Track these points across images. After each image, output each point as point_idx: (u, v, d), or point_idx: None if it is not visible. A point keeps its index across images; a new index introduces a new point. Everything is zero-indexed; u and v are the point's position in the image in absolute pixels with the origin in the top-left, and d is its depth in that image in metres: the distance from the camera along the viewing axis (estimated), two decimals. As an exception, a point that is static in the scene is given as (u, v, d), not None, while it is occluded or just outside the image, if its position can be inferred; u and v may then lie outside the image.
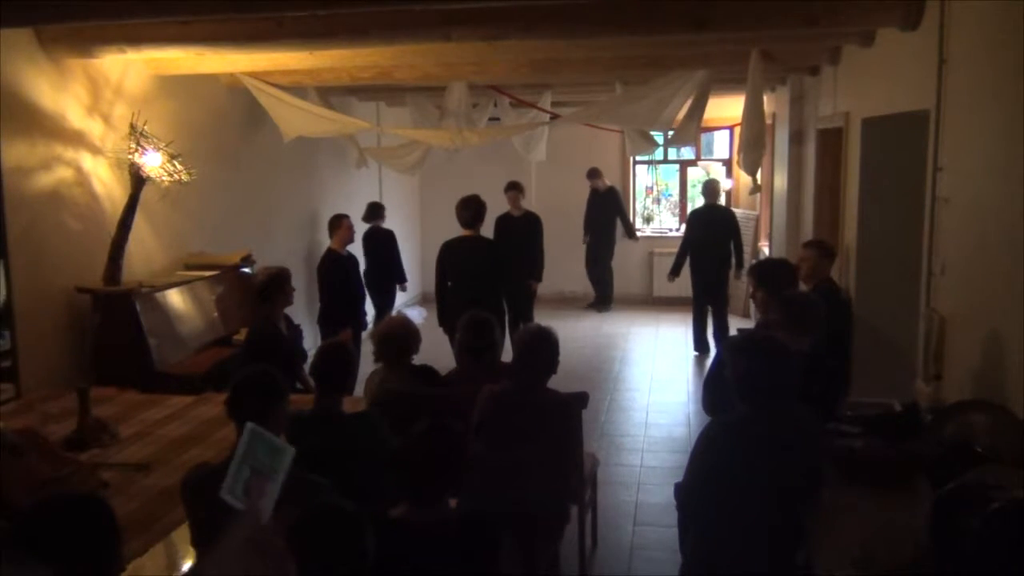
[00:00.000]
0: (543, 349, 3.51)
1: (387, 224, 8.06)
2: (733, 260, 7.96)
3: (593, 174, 10.07)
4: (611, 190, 10.19)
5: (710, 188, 8.19)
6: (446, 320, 5.90)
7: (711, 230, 7.86)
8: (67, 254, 4.68)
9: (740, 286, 9.24)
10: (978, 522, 1.79)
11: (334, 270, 6.70)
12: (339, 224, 6.78)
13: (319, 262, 6.87)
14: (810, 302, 3.70)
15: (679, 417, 6.40)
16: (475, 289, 5.70)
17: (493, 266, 5.94)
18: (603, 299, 10.43)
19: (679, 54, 5.79)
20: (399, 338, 3.96)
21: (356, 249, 7.20)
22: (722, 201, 8.48)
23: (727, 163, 10.77)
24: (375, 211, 7.83)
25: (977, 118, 3.31)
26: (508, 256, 6.38)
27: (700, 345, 8.21)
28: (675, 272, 8.20)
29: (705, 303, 8.04)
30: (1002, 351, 3.00)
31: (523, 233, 7.81)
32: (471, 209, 5.87)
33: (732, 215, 8.21)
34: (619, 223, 10.31)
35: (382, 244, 7.82)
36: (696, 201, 10.05)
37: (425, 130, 7.43)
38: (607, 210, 10.11)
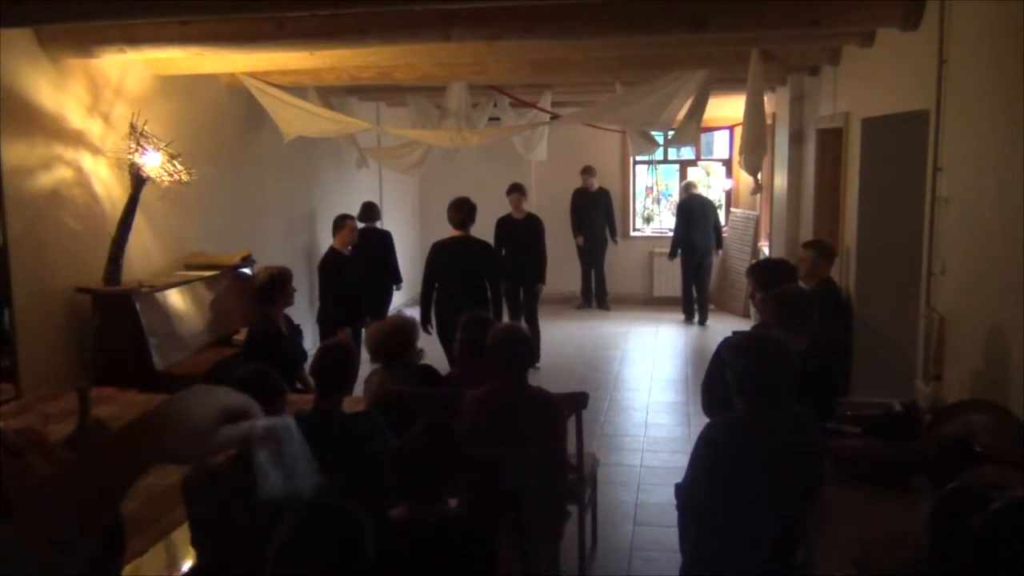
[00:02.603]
0: (517, 346, 3.50)
1: (387, 224, 8.03)
2: (714, 240, 9.61)
3: (588, 172, 9.98)
4: (603, 191, 10.14)
5: (689, 183, 10.07)
6: (429, 319, 6.00)
7: (697, 213, 9.54)
8: (67, 254, 4.68)
9: (735, 282, 9.29)
10: (978, 522, 1.79)
11: (336, 269, 6.70)
12: (343, 225, 6.79)
13: (320, 260, 6.87)
14: (803, 297, 3.67)
15: (679, 417, 6.40)
16: (465, 289, 5.70)
17: (483, 266, 5.94)
18: (601, 298, 10.43)
19: (679, 54, 5.79)
20: (391, 339, 3.96)
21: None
22: (700, 192, 10.06)
23: (727, 163, 10.77)
24: (370, 211, 7.76)
25: (977, 118, 3.30)
26: (499, 257, 6.39)
27: (688, 312, 9.65)
28: (673, 253, 9.63)
29: (691, 270, 9.48)
30: (1002, 351, 2.99)
31: (525, 236, 7.80)
32: (463, 211, 5.92)
33: (711, 201, 10.03)
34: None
35: (377, 245, 7.69)
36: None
37: (425, 130, 7.43)
38: (599, 211, 10.07)
